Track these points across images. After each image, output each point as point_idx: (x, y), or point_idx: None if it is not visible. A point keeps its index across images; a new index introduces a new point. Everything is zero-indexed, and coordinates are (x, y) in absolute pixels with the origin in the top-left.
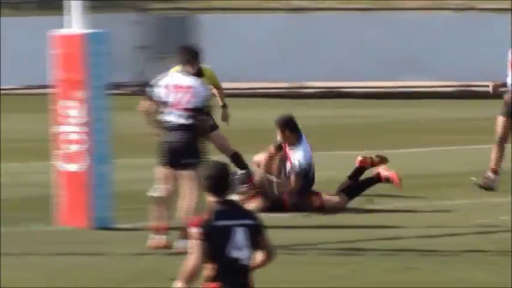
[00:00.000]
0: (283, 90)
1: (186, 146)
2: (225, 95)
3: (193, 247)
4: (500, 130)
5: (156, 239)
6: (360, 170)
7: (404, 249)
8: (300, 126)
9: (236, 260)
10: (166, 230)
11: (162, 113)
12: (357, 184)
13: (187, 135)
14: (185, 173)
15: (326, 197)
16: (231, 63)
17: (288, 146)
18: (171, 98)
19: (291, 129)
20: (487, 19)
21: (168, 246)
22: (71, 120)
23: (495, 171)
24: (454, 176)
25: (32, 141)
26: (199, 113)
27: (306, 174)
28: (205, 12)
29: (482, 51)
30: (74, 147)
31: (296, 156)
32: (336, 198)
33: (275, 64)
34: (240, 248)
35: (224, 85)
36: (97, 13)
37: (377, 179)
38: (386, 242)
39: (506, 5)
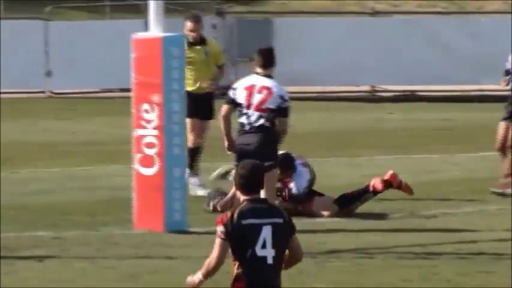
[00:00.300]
0: (364, 93)
1: (265, 147)
2: (305, 98)
3: (216, 245)
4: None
5: None
6: (386, 183)
7: (478, 252)
8: (380, 129)
9: (262, 258)
10: None
11: (240, 115)
12: (351, 195)
13: (265, 136)
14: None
15: (319, 200)
16: (310, 66)
17: (285, 178)
18: (249, 100)
19: (283, 168)
20: None
21: None
22: (147, 124)
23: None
24: None
25: (112, 145)
26: (276, 113)
27: (299, 198)
28: (284, 16)
29: None
30: (150, 151)
31: (291, 186)
32: (332, 207)
33: (353, 67)
34: (266, 247)
35: (303, 88)
36: (176, 17)
37: (374, 190)
38: (459, 245)
39: None
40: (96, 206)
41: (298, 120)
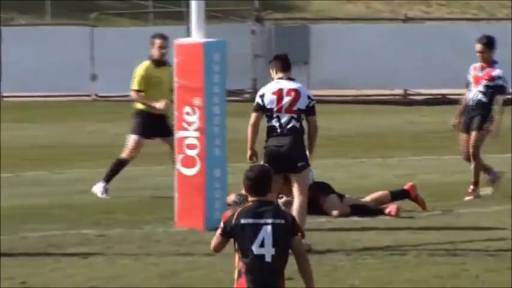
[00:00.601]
0: (397, 97)
1: (297, 148)
2: (341, 101)
3: (215, 236)
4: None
5: None
6: (404, 193)
7: (506, 249)
8: (412, 131)
9: (260, 256)
10: None
11: (270, 119)
12: (367, 208)
13: (297, 138)
14: (297, 176)
15: (329, 198)
16: (346, 71)
17: None
18: (279, 103)
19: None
20: None
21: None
22: (189, 126)
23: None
24: None
25: (154, 146)
26: (306, 113)
27: None
28: (320, 22)
29: None
30: (191, 152)
31: None
32: (342, 207)
33: (386, 72)
34: (265, 246)
35: (339, 92)
36: (217, 23)
37: (388, 214)
38: (488, 243)
39: None
40: (139, 205)
41: (334, 122)
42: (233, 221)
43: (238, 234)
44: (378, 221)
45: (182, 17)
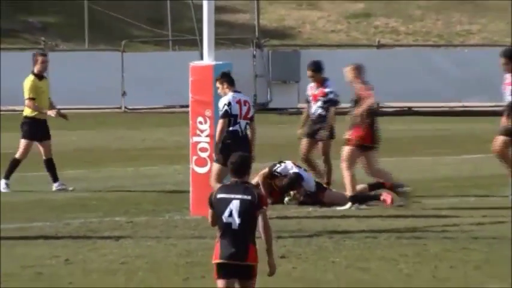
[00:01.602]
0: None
1: (250, 148)
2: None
3: (209, 212)
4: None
5: None
6: (379, 185)
7: (460, 233)
8: (385, 137)
9: (228, 224)
10: None
11: (233, 125)
12: (363, 195)
13: (249, 140)
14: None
15: (330, 193)
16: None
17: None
18: (240, 111)
19: (297, 187)
20: None
21: None
22: (201, 133)
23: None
24: (502, 176)
25: (173, 149)
26: (250, 120)
27: (315, 194)
28: (309, 48)
29: None
30: (203, 154)
31: (306, 188)
32: (339, 196)
33: None
34: (232, 216)
35: None
36: (224, 49)
37: (377, 196)
38: (445, 227)
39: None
40: (161, 197)
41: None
42: (213, 196)
43: (216, 206)
44: (355, 210)
45: (196, 44)
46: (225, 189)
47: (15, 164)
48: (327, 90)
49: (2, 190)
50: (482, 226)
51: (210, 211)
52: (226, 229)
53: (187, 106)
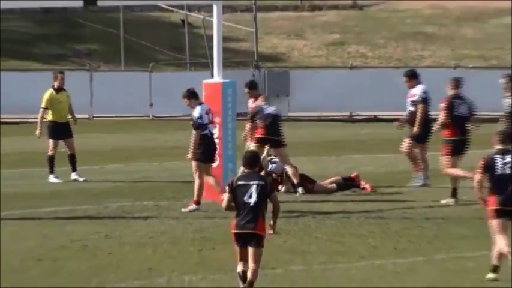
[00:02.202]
0: (345, 117)
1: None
2: (308, 119)
3: (225, 195)
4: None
5: None
6: (351, 179)
7: (416, 214)
8: (355, 139)
9: (248, 203)
10: None
11: (204, 130)
12: (345, 184)
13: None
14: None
15: (321, 184)
16: (312, 100)
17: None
18: (209, 118)
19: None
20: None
21: None
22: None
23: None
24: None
25: (187, 149)
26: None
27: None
28: (296, 69)
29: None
30: None
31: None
32: (328, 187)
33: (339, 100)
34: (252, 196)
35: (307, 114)
36: (230, 70)
37: (356, 184)
38: (405, 210)
39: None
40: (180, 186)
41: (305, 133)
42: (234, 183)
43: (236, 191)
44: (334, 195)
45: (208, 66)
46: (243, 177)
47: (50, 159)
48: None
49: (55, 181)
50: (433, 209)
51: (227, 196)
52: (245, 207)
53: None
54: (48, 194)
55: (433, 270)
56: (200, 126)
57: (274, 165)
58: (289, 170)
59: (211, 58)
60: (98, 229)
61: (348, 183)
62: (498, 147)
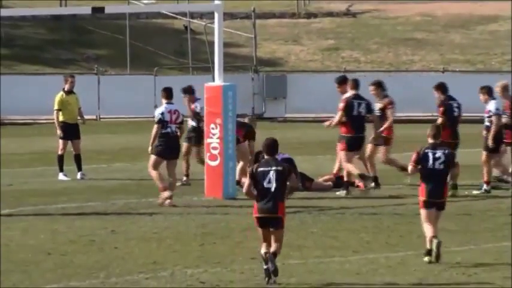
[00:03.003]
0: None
1: (179, 144)
2: (304, 120)
3: (246, 180)
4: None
5: None
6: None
7: (407, 211)
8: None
9: (267, 189)
10: None
11: (165, 128)
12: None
13: (178, 139)
14: (176, 161)
15: (318, 181)
16: (307, 102)
17: None
18: (171, 118)
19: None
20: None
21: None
22: (213, 136)
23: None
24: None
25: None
26: (180, 124)
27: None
28: (293, 73)
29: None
30: (214, 151)
31: None
32: (325, 184)
33: (331, 102)
34: (269, 182)
35: (302, 115)
36: (231, 73)
37: (356, 186)
38: (397, 206)
39: None
40: (183, 184)
41: (301, 133)
42: (254, 169)
43: (257, 176)
44: (328, 193)
45: (209, 70)
46: (263, 164)
47: (59, 158)
48: (197, 110)
49: (64, 179)
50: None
51: (248, 181)
52: (265, 192)
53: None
54: (58, 191)
55: (423, 263)
56: (160, 121)
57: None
58: (239, 166)
59: (213, 63)
60: (105, 225)
61: (343, 182)
62: (430, 141)
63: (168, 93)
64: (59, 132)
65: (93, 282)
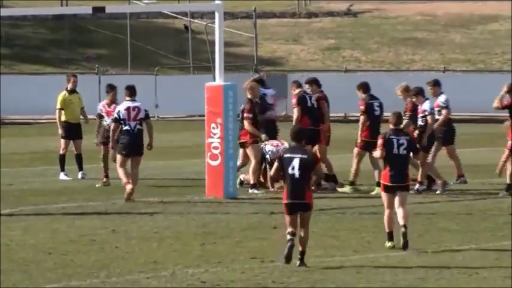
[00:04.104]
0: (341, 117)
1: (141, 141)
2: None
3: (275, 164)
4: None
5: None
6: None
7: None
8: None
9: (292, 175)
10: None
11: (124, 125)
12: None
13: (141, 135)
14: (140, 157)
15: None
16: None
17: None
18: (128, 115)
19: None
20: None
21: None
22: (214, 135)
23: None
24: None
25: (194, 147)
26: (144, 120)
27: None
28: (293, 73)
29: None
30: (215, 151)
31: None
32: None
33: (334, 102)
34: (293, 169)
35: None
36: (231, 73)
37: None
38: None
39: None
40: (184, 183)
41: None
42: (282, 154)
43: (283, 162)
44: (329, 192)
45: (210, 70)
46: (290, 150)
47: (60, 158)
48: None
49: (65, 179)
50: (423, 205)
51: (276, 165)
52: (290, 179)
53: (203, 115)
54: (59, 191)
55: (424, 262)
56: (115, 120)
57: (270, 151)
58: (251, 166)
59: (213, 62)
60: (106, 224)
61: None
62: (392, 127)
63: (130, 91)
64: (60, 131)
65: (93, 281)
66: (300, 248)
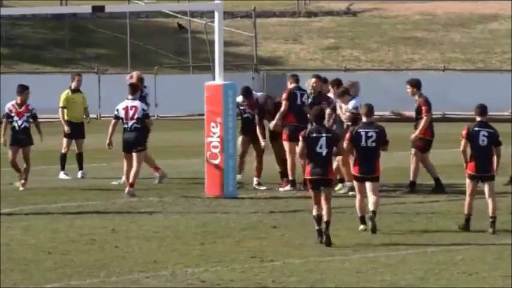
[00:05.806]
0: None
1: (138, 139)
2: None
3: (300, 143)
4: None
5: None
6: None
7: (405, 210)
8: None
9: (319, 153)
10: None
11: (123, 123)
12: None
13: (138, 133)
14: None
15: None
16: None
17: None
18: (126, 114)
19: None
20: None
21: None
22: (214, 135)
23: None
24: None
25: (194, 146)
26: (142, 119)
27: None
28: (293, 72)
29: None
30: (215, 150)
31: None
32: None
33: None
34: (321, 147)
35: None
36: (231, 72)
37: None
38: (395, 205)
39: None
40: (183, 182)
41: None
42: (307, 134)
43: (309, 141)
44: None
45: (209, 69)
46: (315, 130)
47: (62, 157)
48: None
49: (65, 178)
50: (423, 204)
51: (301, 145)
52: (316, 156)
53: (203, 115)
54: (59, 190)
55: (424, 262)
56: (115, 117)
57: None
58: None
59: (213, 62)
60: (106, 224)
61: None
62: (364, 120)
63: (131, 89)
64: (66, 128)
65: (93, 281)
66: (325, 219)
